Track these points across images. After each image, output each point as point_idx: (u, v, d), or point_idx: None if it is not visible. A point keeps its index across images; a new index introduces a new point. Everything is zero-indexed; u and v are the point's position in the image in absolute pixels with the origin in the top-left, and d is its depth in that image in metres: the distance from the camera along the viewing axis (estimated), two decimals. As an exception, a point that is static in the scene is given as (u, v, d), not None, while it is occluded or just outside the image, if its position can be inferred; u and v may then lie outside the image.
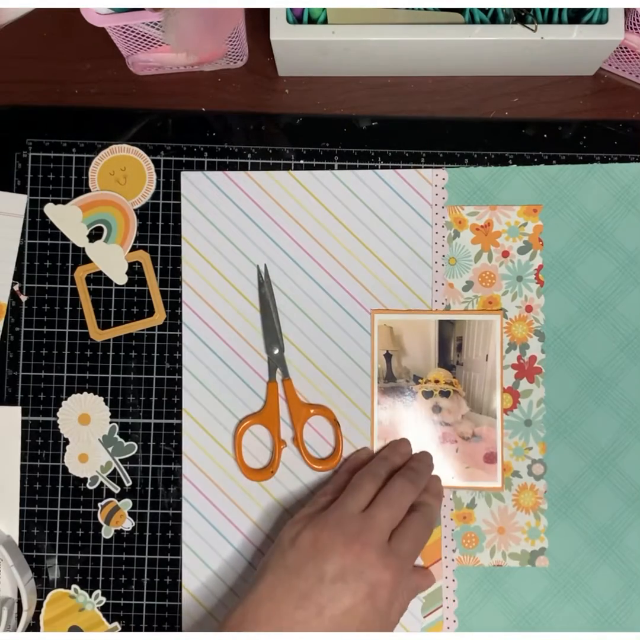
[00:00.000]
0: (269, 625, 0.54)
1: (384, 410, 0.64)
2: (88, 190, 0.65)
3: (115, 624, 0.64)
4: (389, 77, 0.66)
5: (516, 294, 0.64)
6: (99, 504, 0.64)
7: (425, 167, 0.65)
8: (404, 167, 0.65)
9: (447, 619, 0.63)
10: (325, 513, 0.58)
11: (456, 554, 0.63)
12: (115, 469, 0.64)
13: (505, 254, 0.64)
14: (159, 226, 0.65)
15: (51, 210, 0.65)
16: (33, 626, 0.63)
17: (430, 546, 0.63)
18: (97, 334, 0.64)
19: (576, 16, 0.60)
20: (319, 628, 0.54)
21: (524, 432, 0.64)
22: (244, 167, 0.65)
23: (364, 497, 0.58)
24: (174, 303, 0.65)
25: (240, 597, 0.56)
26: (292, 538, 0.57)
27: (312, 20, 0.60)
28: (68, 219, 0.65)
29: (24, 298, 0.65)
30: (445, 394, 0.64)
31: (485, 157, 0.65)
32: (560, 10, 0.60)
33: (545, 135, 0.65)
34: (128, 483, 0.64)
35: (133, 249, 0.65)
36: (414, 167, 0.65)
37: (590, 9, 0.59)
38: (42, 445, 0.64)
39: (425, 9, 0.60)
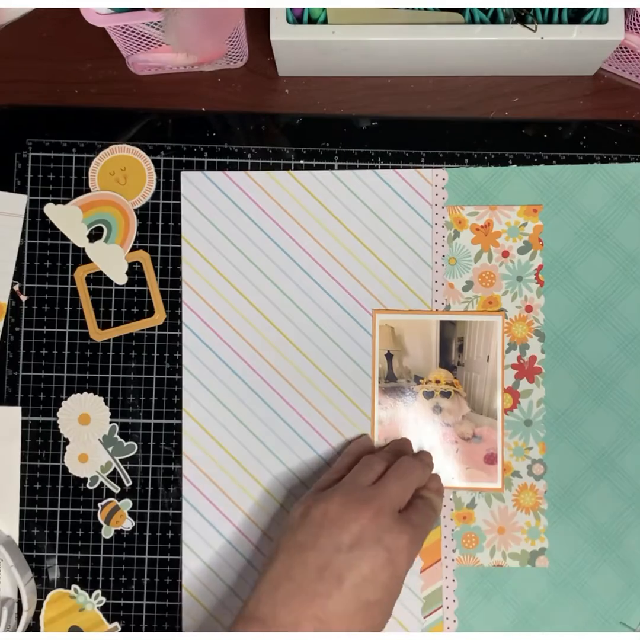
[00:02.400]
0: (286, 605, 0.53)
1: (385, 411, 0.64)
2: (88, 190, 0.65)
3: (115, 624, 0.64)
4: (389, 77, 0.66)
5: (516, 294, 0.64)
6: (99, 504, 0.64)
7: (425, 167, 0.65)
8: (404, 167, 0.65)
9: (447, 619, 0.63)
10: (333, 488, 0.57)
11: (456, 554, 0.63)
12: (115, 469, 0.64)
13: (505, 254, 0.64)
14: (159, 226, 0.65)
15: (51, 210, 0.65)
16: (33, 626, 0.63)
17: (430, 546, 0.63)
18: (97, 334, 0.64)
19: (576, 16, 0.60)
20: (340, 598, 0.53)
21: (524, 432, 0.64)
22: (244, 167, 0.65)
23: (373, 474, 0.58)
24: (174, 303, 0.65)
25: (255, 583, 0.55)
26: (302, 514, 0.56)
27: (312, 20, 0.60)
28: (68, 219, 0.65)
29: (24, 298, 0.65)
30: (446, 394, 0.64)
31: (485, 157, 0.65)
32: (560, 10, 0.60)
33: (545, 135, 0.65)
34: (128, 483, 0.64)
35: (133, 249, 0.65)
36: (414, 167, 0.65)
37: (590, 9, 0.59)
38: (42, 445, 0.64)
39: (425, 9, 0.60)
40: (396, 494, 0.57)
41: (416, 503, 0.59)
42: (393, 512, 0.56)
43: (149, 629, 0.63)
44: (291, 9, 0.59)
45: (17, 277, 0.65)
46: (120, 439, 0.64)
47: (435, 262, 0.65)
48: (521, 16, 0.59)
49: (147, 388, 0.64)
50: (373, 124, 0.65)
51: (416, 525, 0.56)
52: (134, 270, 0.65)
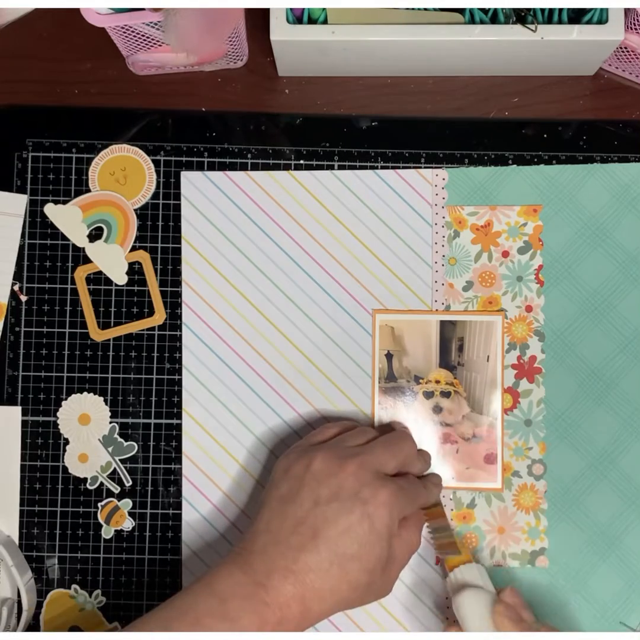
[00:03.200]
0: (263, 553, 0.53)
1: (385, 411, 0.64)
2: (88, 190, 0.65)
3: (115, 623, 0.64)
4: (389, 77, 0.66)
5: (516, 294, 0.64)
6: (99, 504, 0.64)
7: (425, 167, 0.65)
8: (404, 167, 0.65)
9: (447, 619, 0.63)
10: (319, 445, 0.57)
11: (456, 554, 0.63)
12: (115, 469, 0.64)
13: (505, 254, 0.64)
14: (159, 226, 0.65)
15: (51, 210, 0.65)
16: (33, 626, 0.63)
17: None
18: (97, 334, 0.64)
19: (576, 16, 0.60)
20: (313, 551, 0.53)
21: (524, 432, 0.64)
22: (244, 167, 0.65)
23: (363, 438, 0.58)
24: (174, 303, 0.65)
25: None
26: (285, 469, 0.56)
27: (312, 20, 0.60)
28: (68, 219, 0.65)
29: (24, 298, 0.65)
30: (446, 394, 0.64)
31: (485, 157, 0.65)
32: (560, 10, 0.60)
33: (545, 135, 0.65)
34: (128, 483, 0.64)
35: (133, 249, 0.65)
36: (414, 167, 0.65)
37: (590, 9, 0.59)
38: (42, 445, 0.64)
39: (425, 9, 0.60)
40: (381, 456, 0.56)
41: (409, 475, 0.58)
42: (376, 470, 0.55)
43: (149, 629, 0.63)
44: (291, 9, 0.59)
45: (17, 277, 0.65)
46: (120, 439, 0.64)
47: (435, 262, 0.65)
48: (521, 16, 0.59)
49: (147, 388, 0.64)
50: (373, 124, 0.65)
51: (400, 485, 0.56)
52: (134, 270, 0.65)
